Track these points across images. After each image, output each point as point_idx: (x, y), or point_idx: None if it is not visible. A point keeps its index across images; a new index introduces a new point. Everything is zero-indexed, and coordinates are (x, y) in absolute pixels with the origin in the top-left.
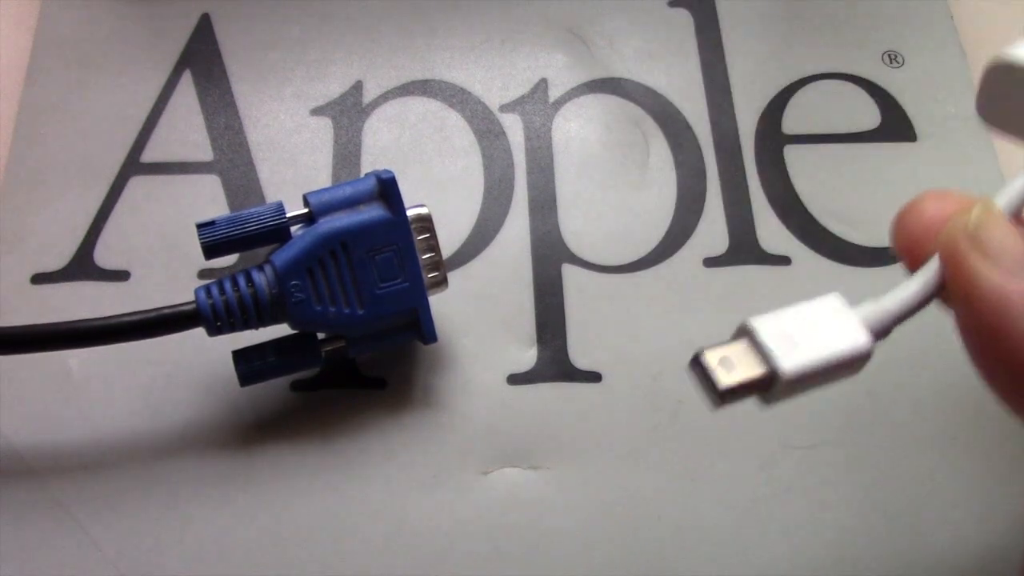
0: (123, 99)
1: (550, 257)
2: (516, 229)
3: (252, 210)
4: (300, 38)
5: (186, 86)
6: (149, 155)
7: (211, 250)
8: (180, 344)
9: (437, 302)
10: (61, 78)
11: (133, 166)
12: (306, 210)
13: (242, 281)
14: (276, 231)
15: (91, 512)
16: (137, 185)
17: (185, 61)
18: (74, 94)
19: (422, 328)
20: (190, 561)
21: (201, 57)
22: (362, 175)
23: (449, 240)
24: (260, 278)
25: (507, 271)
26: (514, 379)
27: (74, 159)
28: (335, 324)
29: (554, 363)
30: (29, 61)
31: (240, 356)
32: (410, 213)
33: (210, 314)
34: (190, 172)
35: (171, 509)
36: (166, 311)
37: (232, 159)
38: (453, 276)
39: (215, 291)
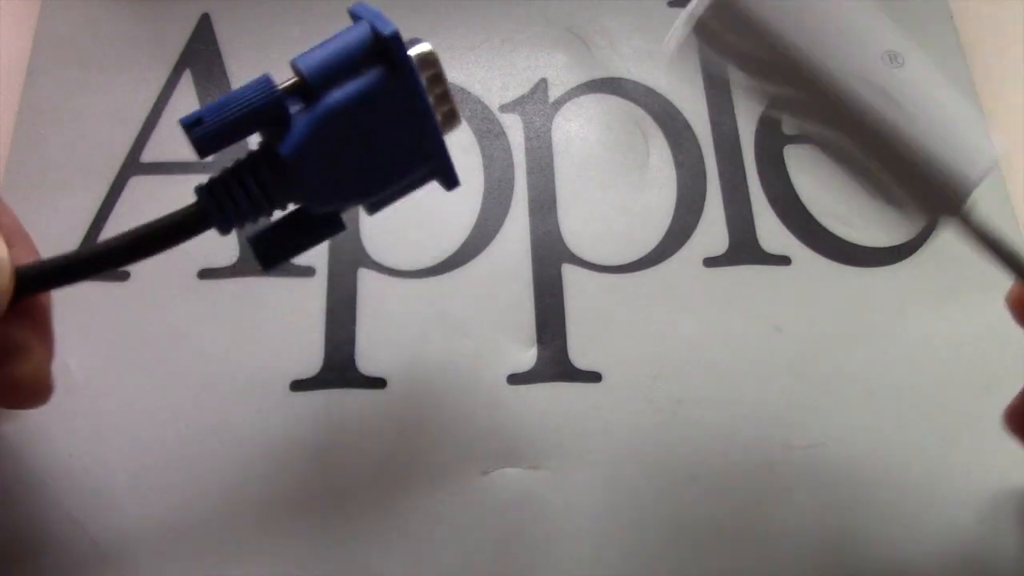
0: (123, 99)
1: (550, 257)
2: (516, 229)
3: (237, 91)
4: (300, 38)
5: (186, 86)
6: (149, 155)
7: (205, 144)
8: (178, 344)
9: (437, 302)
10: (61, 78)
11: (133, 166)
12: (296, 79)
13: (246, 172)
14: (271, 107)
15: (91, 512)
16: (137, 185)
17: (185, 61)
18: (74, 94)
19: (445, 174)
20: (191, 561)
21: (201, 57)
22: None
23: (449, 240)
24: (264, 171)
25: (507, 271)
26: (514, 379)
27: (74, 159)
28: (354, 199)
29: (554, 363)
30: (29, 61)
31: (257, 239)
32: (414, 57)
33: (214, 209)
34: (190, 172)
35: (171, 509)
36: (168, 218)
37: (232, 159)
38: (453, 276)
39: (216, 185)
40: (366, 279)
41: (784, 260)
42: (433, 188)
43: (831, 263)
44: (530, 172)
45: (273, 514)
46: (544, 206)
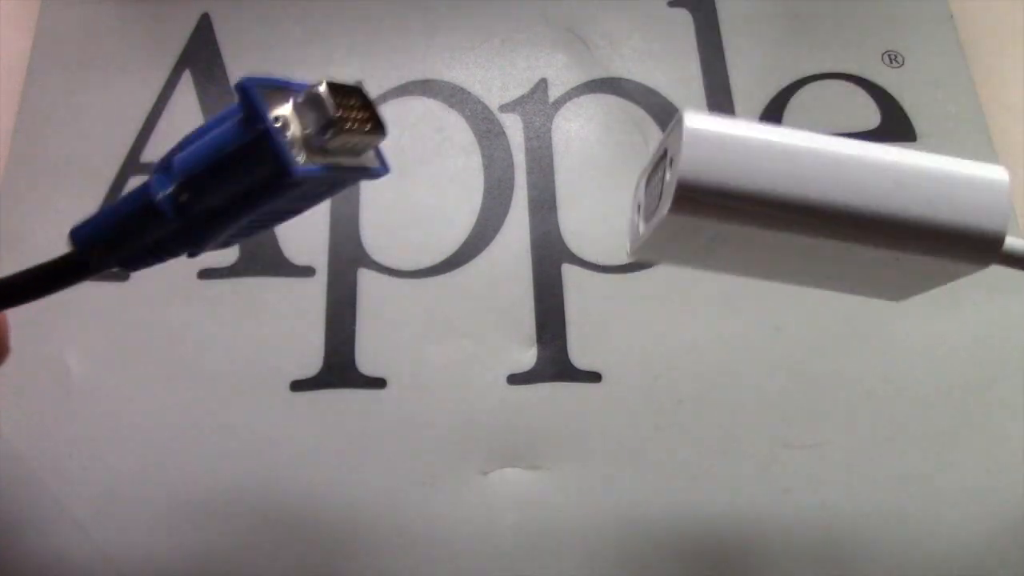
0: (123, 99)
1: (550, 257)
2: (516, 229)
3: (119, 205)
4: (300, 38)
5: (186, 86)
6: (149, 155)
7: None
8: (178, 345)
9: (437, 302)
10: (61, 78)
11: (133, 166)
12: (177, 186)
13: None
14: (160, 222)
15: (91, 512)
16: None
17: (185, 61)
18: (74, 94)
19: (370, 177)
20: (190, 561)
21: (201, 57)
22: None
23: (449, 240)
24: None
25: (507, 271)
26: (514, 379)
27: (74, 159)
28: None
29: (554, 363)
30: (29, 61)
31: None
32: (300, 153)
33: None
34: None
35: (171, 509)
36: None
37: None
38: (453, 276)
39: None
40: (366, 279)
41: None
42: (432, 188)
43: None
44: (530, 172)
45: (273, 513)
46: (544, 206)
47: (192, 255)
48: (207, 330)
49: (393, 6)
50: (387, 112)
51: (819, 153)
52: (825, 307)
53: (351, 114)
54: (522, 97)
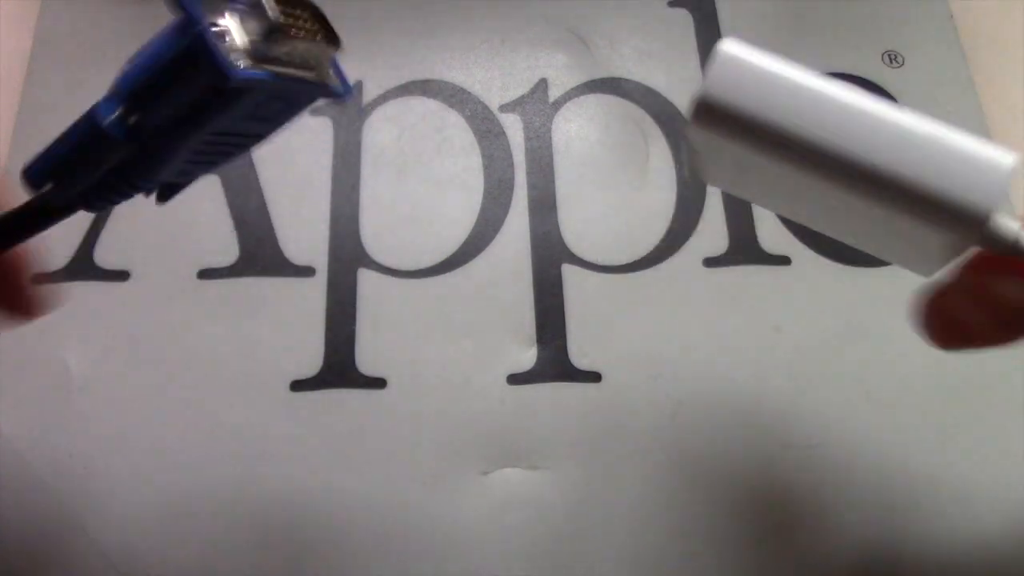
0: None
1: (550, 257)
2: (516, 229)
3: (65, 135)
4: None
5: None
6: None
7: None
8: (178, 345)
9: (437, 302)
10: (61, 78)
11: None
12: (123, 108)
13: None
14: (109, 145)
15: (91, 512)
16: None
17: None
18: (74, 94)
19: (328, 95)
20: (190, 561)
21: None
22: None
23: (449, 240)
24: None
25: (507, 271)
26: (514, 379)
27: None
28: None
29: (554, 363)
30: (29, 61)
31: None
32: (243, 65)
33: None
34: None
35: (171, 508)
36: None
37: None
38: (453, 276)
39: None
40: (366, 279)
41: (784, 260)
42: (432, 188)
43: (831, 263)
44: (530, 172)
45: (272, 513)
46: (544, 206)
47: (153, 192)
48: (207, 330)
49: (393, 6)
50: (387, 111)
51: (837, 99)
52: (825, 307)
53: (297, 22)
54: (522, 97)
